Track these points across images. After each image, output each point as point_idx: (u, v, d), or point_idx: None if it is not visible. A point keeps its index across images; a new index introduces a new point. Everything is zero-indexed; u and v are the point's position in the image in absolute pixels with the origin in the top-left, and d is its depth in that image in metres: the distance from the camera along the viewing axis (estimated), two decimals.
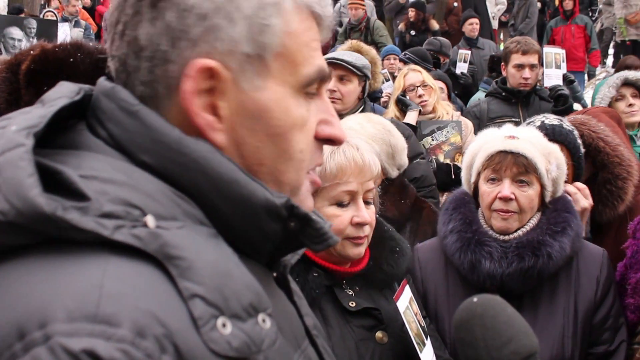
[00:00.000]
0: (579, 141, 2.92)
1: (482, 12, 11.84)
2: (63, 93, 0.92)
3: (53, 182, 0.80)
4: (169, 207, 0.84)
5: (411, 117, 4.73)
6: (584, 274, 2.45)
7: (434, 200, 3.75)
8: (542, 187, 2.43)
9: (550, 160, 2.45)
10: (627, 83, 4.24)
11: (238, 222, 0.90)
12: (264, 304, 0.85)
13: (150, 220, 0.80)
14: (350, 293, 2.06)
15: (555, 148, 2.52)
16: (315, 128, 0.98)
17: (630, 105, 4.20)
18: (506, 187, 2.38)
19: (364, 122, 3.02)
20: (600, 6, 14.74)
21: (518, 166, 2.38)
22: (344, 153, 2.01)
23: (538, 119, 2.95)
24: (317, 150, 1.00)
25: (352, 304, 2.03)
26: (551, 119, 2.93)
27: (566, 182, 2.62)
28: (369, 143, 2.95)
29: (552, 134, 2.81)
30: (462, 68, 8.08)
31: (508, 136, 2.44)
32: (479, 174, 2.49)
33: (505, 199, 2.38)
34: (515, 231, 2.43)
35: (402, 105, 4.87)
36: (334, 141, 1.00)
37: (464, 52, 8.35)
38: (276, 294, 1.01)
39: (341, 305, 2.02)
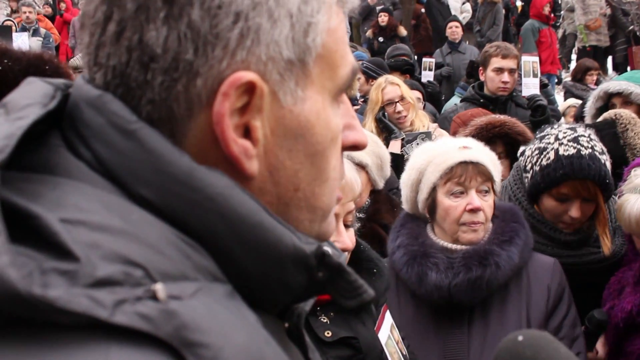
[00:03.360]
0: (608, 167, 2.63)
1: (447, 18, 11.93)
2: (34, 98, 0.70)
3: (24, 224, 0.61)
4: (178, 262, 0.65)
5: (395, 146, 4.58)
6: (534, 283, 2.42)
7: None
8: (495, 195, 2.43)
9: (497, 167, 2.44)
10: (614, 94, 4.12)
11: (257, 272, 0.72)
12: None
13: (160, 290, 0.61)
14: (325, 320, 1.93)
15: (494, 154, 2.49)
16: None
17: None
18: (475, 198, 2.34)
19: None
20: (563, 12, 15.04)
21: (481, 175, 2.35)
22: None
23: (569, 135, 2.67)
24: (342, 162, 0.84)
25: (328, 333, 1.90)
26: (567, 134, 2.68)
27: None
28: (362, 156, 2.94)
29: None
30: (427, 77, 8.03)
31: (462, 147, 2.40)
32: (433, 189, 2.40)
33: (477, 210, 2.34)
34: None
35: (385, 130, 4.75)
36: (357, 147, 0.85)
37: (428, 61, 8.35)
38: (292, 353, 0.82)
39: (316, 335, 1.88)
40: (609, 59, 14.34)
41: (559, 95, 10.11)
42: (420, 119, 4.89)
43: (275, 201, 0.76)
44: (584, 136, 2.65)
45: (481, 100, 5.14)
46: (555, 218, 2.68)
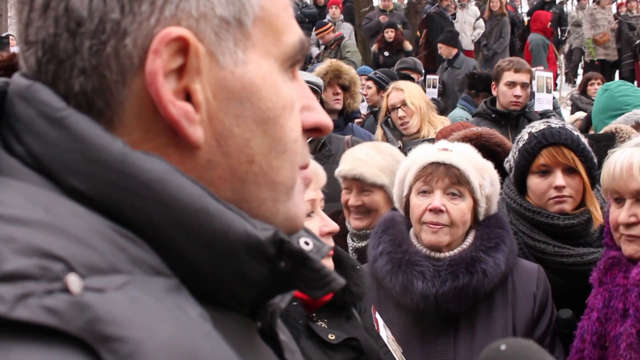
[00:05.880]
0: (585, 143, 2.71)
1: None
2: None
3: None
4: (108, 255, 0.60)
5: None
6: (520, 291, 2.38)
7: None
8: (475, 202, 2.35)
9: (484, 176, 2.38)
10: None
11: (208, 265, 0.67)
12: None
13: (73, 281, 0.55)
14: (323, 325, 1.87)
15: (489, 165, 2.45)
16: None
17: None
18: (437, 199, 2.29)
19: (373, 153, 2.91)
20: (569, 27, 14.99)
21: (450, 177, 2.30)
22: None
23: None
24: (305, 144, 0.79)
25: (332, 336, 1.83)
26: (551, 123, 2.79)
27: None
28: (378, 175, 2.84)
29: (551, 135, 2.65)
30: (432, 94, 8.05)
31: (441, 148, 2.40)
32: (410, 188, 2.39)
33: (436, 211, 2.28)
34: (450, 249, 2.33)
35: (386, 137, 4.77)
36: (320, 130, 0.81)
37: (432, 78, 8.37)
38: (261, 353, 0.77)
39: (320, 339, 1.81)
40: (617, 73, 14.28)
41: (565, 110, 10.05)
42: (433, 125, 4.73)
43: (229, 176, 0.71)
44: (555, 122, 2.79)
45: (493, 116, 5.06)
46: (545, 197, 2.66)
